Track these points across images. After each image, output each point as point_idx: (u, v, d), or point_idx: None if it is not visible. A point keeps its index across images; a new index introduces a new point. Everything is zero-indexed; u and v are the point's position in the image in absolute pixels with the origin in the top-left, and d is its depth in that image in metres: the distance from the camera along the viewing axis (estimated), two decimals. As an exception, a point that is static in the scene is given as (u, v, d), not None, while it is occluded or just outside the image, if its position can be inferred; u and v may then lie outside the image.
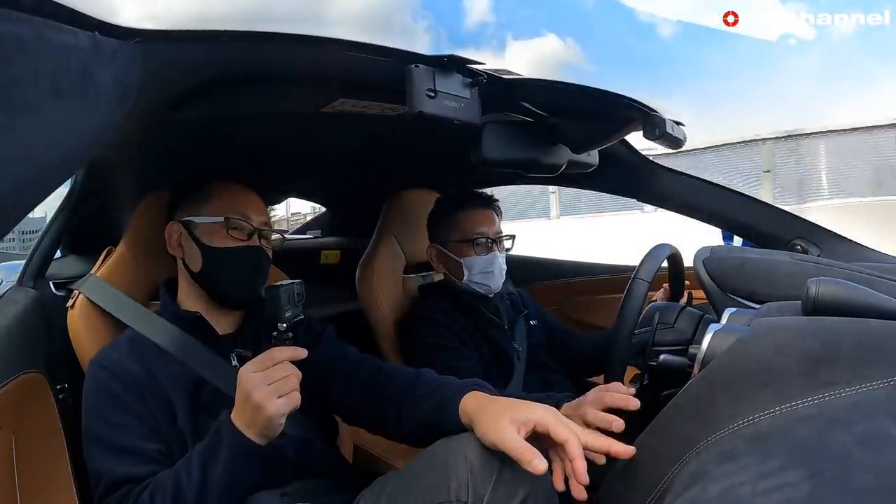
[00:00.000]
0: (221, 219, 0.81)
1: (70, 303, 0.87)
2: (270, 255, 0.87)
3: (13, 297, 0.88)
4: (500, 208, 1.20)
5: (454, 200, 1.19)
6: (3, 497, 0.67)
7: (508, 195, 7.33)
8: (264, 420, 0.65)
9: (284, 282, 0.72)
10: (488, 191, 1.26)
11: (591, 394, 0.73)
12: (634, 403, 0.68)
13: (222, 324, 0.84)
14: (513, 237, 1.20)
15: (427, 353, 1.07)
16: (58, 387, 0.85)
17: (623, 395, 0.70)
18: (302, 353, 0.68)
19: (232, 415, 0.67)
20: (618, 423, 0.65)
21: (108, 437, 0.71)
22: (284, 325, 0.70)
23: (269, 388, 0.64)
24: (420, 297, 1.21)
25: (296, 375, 0.67)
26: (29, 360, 0.79)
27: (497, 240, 1.15)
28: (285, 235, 0.95)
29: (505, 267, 1.16)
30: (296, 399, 0.66)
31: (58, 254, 1.04)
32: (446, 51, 0.63)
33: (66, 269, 1.03)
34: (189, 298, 0.84)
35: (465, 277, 1.13)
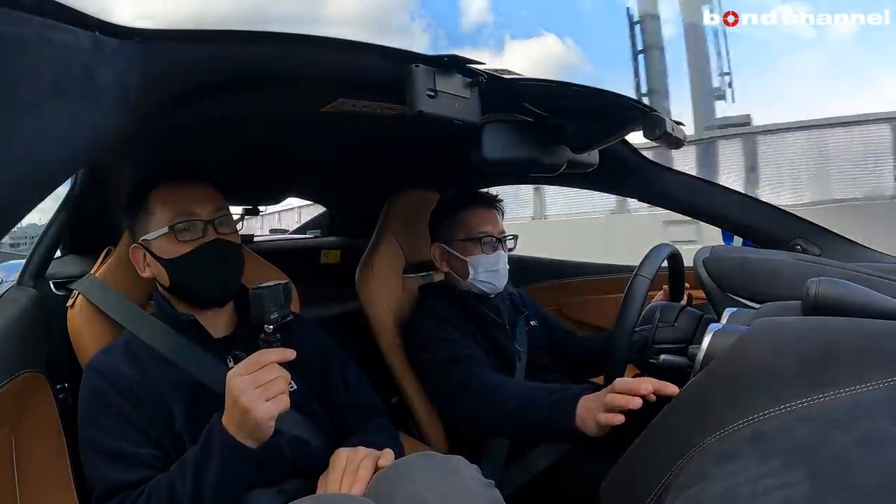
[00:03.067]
0: (166, 229, 0.79)
1: (70, 302, 0.87)
2: (238, 239, 0.85)
3: (13, 296, 0.88)
4: (503, 209, 1.21)
5: (459, 200, 1.19)
6: (3, 497, 0.67)
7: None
8: (253, 423, 0.64)
9: (269, 283, 0.71)
10: (491, 191, 1.27)
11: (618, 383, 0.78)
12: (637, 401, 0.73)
13: (218, 326, 0.84)
14: (515, 237, 1.20)
15: (428, 345, 1.07)
16: (58, 386, 0.85)
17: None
18: (290, 354, 0.68)
19: (223, 418, 0.67)
20: (636, 402, 0.72)
21: (104, 443, 0.71)
22: (271, 326, 0.70)
23: (256, 391, 0.64)
24: (421, 297, 1.21)
25: (284, 378, 0.66)
26: (29, 359, 0.79)
27: (501, 239, 1.16)
28: (285, 235, 0.96)
29: (508, 266, 1.17)
30: (284, 402, 0.66)
31: (58, 253, 1.04)
32: (444, 51, 0.63)
33: (66, 268, 1.03)
34: (178, 307, 0.84)
35: (471, 276, 1.13)
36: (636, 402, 0.72)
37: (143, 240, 0.81)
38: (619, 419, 0.74)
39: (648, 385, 0.72)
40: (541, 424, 0.86)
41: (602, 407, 0.77)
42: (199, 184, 0.83)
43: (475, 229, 1.14)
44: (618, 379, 0.77)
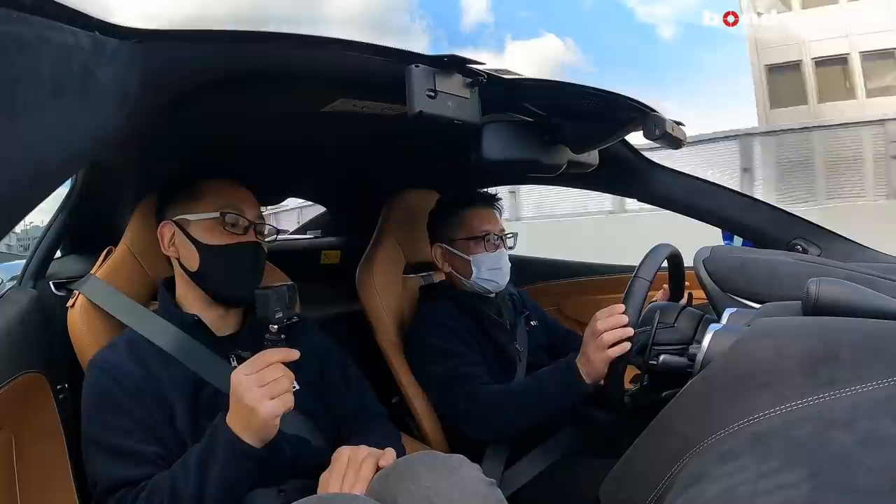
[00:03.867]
0: (217, 214, 0.80)
1: (70, 302, 0.87)
2: (266, 250, 0.87)
3: (13, 297, 0.88)
4: (502, 207, 1.21)
5: (459, 199, 1.19)
6: (3, 497, 0.67)
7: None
8: (258, 422, 0.65)
9: (274, 284, 0.72)
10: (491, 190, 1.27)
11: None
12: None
13: (222, 325, 0.84)
14: (515, 235, 1.21)
15: (430, 356, 1.07)
16: (58, 387, 0.84)
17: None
18: (294, 354, 0.68)
19: (227, 417, 0.67)
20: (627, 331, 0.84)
21: (106, 440, 0.71)
22: (276, 326, 0.71)
23: (261, 390, 0.65)
24: (422, 299, 1.21)
25: (288, 377, 0.67)
26: (29, 360, 0.79)
27: (502, 237, 1.16)
28: (285, 235, 0.97)
29: (510, 265, 1.17)
30: (288, 401, 0.66)
31: (58, 253, 1.04)
32: (445, 51, 0.63)
33: (66, 268, 1.03)
34: (187, 299, 0.84)
35: (474, 275, 1.13)
36: (628, 331, 0.84)
37: (181, 218, 0.82)
38: (626, 346, 0.84)
39: (623, 315, 0.84)
40: (557, 399, 0.93)
41: (602, 348, 0.84)
42: (248, 190, 0.87)
43: (477, 228, 1.14)
44: (597, 322, 0.86)
